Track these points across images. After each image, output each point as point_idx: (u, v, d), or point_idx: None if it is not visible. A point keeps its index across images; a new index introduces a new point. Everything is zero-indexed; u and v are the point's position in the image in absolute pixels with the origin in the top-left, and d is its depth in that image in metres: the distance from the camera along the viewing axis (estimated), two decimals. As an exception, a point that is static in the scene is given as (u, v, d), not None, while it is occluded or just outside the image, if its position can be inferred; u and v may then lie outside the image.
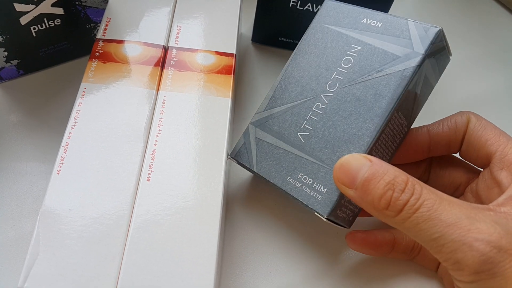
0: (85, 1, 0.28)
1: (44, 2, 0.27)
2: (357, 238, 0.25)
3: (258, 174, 0.25)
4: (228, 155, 0.25)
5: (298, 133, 0.24)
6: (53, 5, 0.27)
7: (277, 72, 0.34)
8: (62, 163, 0.23)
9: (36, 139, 0.28)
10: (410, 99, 0.23)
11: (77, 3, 0.28)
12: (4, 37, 0.27)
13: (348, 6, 0.25)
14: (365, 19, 0.24)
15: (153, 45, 0.27)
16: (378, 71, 0.23)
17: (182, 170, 0.23)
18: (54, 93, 0.30)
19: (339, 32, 0.24)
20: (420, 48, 0.22)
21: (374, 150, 0.22)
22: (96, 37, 0.27)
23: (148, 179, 0.23)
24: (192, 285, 0.20)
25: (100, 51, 0.27)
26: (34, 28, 0.28)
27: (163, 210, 0.22)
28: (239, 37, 0.36)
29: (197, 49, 0.28)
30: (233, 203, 0.28)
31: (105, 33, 0.28)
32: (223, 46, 0.28)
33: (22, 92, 0.30)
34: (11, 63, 0.29)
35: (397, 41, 0.23)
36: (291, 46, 0.34)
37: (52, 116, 0.29)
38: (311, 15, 0.31)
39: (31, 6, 0.27)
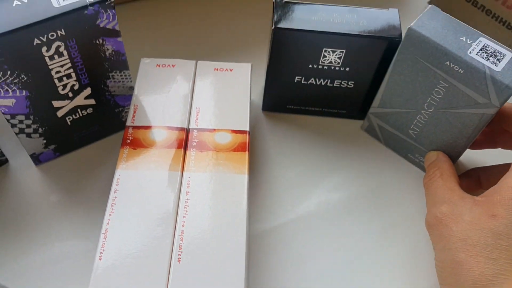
0: (114, 91, 0.32)
1: (78, 96, 0.30)
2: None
3: (387, 147, 0.37)
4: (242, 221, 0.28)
5: (409, 131, 0.34)
6: (86, 98, 0.31)
7: (288, 135, 0.37)
8: (103, 250, 0.26)
9: (75, 217, 0.31)
10: None
11: (107, 93, 0.32)
12: (43, 128, 0.31)
13: (431, 43, 0.28)
14: (448, 62, 0.28)
15: (176, 128, 0.31)
16: (464, 108, 0.29)
17: (209, 249, 0.26)
18: (88, 171, 0.33)
19: (427, 66, 0.29)
20: (496, 102, 0.28)
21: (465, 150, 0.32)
22: (126, 124, 0.31)
23: (179, 260, 0.26)
24: None
25: (130, 138, 0.30)
26: (69, 118, 0.31)
27: (195, 289, 0.25)
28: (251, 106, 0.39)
29: (214, 129, 0.31)
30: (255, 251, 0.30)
31: (133, 120, 0.31)
32: (237, 124, 0.31)
33: (59, 172, 0.33)
34: (49, 148, 0.32)
35: (477, 90, 0.28)
36: (300, 111, 0.37)
37: (88, 194, 0.32)
38: (315, 87, 0.35)
39: (66, 102, 0.30)
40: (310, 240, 0.32)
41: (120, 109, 0.34)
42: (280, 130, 0.37)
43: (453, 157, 0.33)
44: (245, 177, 0.29)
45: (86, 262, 0.29)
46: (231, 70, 0.34)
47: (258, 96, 0.38)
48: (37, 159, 0.33)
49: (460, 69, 0.28)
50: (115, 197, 0.28)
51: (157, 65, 0.33)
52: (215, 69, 0.34)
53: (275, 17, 0.31)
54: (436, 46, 0.28)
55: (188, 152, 0.30)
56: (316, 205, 0.33)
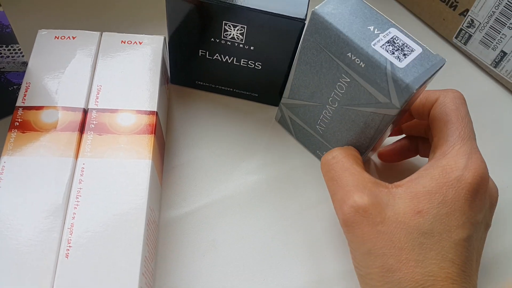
0: (4, 67, 0.29)
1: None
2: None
3: (297, 141, 0.34)
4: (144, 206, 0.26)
5: (317, 126, 0.31)
6: (-31, 75, 0.28)
7: (197, 112, 0.35)
8: (-20, 246, 0.23)
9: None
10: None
11: (-6, 70, 0.28)
12: None
13: (333, 30, 0.25)
14: (349, 54, 0.25)
15: (72, 109, 0.28)
16: (366, 106, 0.27)
17: (101, 243, 0.24)
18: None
19: (330, 57, 0.26)
20: (396, 102, 0.25)
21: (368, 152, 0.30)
22: (16, 105, 0.28)
23: (67, 256, 0.24)
24: None
25: (19, 120, 0.27)
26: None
27: (80, 288, 0.23)
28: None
29: (117, 109, 0.28)
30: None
31: (24, 100, 0.28)
32: (144, 104, 0.29)
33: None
34: None
35: (378, 87, 0.25)
36: (209, 89, 0.35)
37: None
38: (221, 64, 0.32)
39: None
40: (223, 225, 0.30)
41: (15, 87, 0.30)
42: (192, 107, 0.35)
43: None
44: (148, 163, 0.27)
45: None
46: (140, 43, 0.31)
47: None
48: None
49: (362, 63, 0.25)
50: (-2, 187, 0.25)
51: (55, 37, 0.30)
52: (122, 41, 0.31)
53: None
54: (338, 34, 0.25)
55: (84, 136, 0.27)
56: (232, 188, 0.32)
